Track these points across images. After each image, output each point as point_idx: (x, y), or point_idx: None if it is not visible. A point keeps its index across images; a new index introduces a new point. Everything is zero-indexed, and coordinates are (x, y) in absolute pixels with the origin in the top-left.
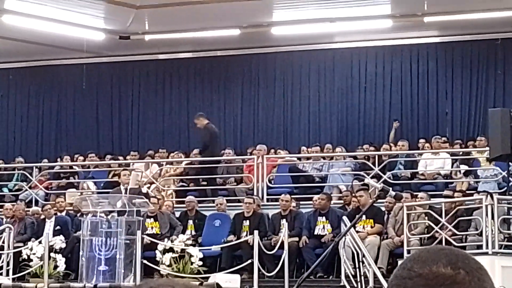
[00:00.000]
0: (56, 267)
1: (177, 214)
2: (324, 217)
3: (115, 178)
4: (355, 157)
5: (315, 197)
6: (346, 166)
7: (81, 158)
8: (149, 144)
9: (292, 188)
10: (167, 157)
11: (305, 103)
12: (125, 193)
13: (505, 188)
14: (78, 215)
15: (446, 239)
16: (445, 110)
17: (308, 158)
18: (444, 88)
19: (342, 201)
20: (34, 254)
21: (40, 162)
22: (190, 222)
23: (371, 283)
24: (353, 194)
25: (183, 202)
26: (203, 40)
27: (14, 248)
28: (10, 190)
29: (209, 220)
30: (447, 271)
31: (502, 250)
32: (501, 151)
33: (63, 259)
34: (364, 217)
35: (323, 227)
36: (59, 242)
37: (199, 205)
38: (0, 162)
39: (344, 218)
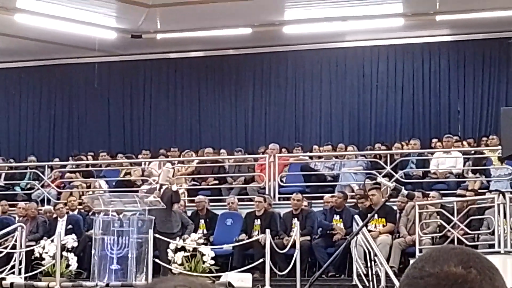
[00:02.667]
0: (68, 266)
1: (189, 213)
2: (338, 216)
3: (127, 177)
4: (366, 156)
5: (326, 196)
6: (358, 165)
7: (91, 157)
8: (161, 143)
9: (304, 187)
10: (179, 156)
11: (317, 102)
12: (159, 189)
13: None
14: (90, 214)
15: (458, 238)
16: (457, 109)
17: (320, 157)
18: (456, 87)
19: (354, 200)
20: (46, 253)
21: (52, 161)
22: (202, 221)
23: (383, 282)
24: (366, 193)
25: (194, 201)
26: (215, 39)
27: (26, 247)
28: (22, 189)
29: (220, 219)
30: (458, 270)
31: None
32: None
33: (75, 258)
34: (376, 216)
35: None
36: (71, 241)
37: (211, 204)
38: (12, 161)
39: (356, 217)
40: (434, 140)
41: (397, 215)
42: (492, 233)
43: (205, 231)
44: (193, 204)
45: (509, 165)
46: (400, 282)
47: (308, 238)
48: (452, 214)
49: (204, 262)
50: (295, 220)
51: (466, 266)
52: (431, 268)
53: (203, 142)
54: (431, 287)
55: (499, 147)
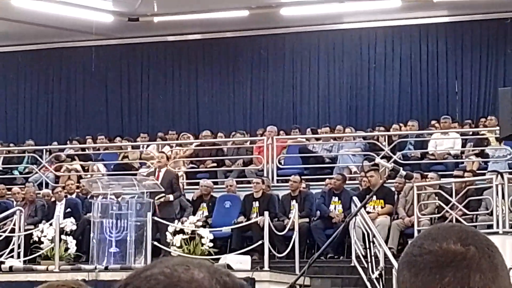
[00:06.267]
0: (67, 249)
1: (189, 195)
2: (337, 198)
3: (126, 160)
4: (364, 138)
5: (327, 179)
6: (356, 146)
7: (90, 140)
8: (159, 126)
9: (302, 169)
10: (177, 139)
11: (314, 84)
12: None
13: None
14: (89, 197)
15: (456, 219)
16: (455, 90)
17: (318, 139)
18: (454, 68)
19: (353, 182)
20: (45, 236)
21: (50, 144)
22: (204, 204)
23: (381, 264)
24: (364, 175)
25: (193, 184)
26: (212, 21)
27: (25, 230)
28: (20, 173)
29: (219, 201)
30: (457, 247)
31: None
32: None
33: (74, 241)
34: (374, 197)
35: (335, 208)
36: (70, 224)
37: None
38: (10, 145)
39: (355, 198)
40: (432, 122)
41: (396, 197)
42: (491, 214)
43: (205, 212)
44: (192, 187)
45: (508, 146)
46: (399, 260)
47: (307, 220)
48: (451, 195)
49: (202, 245)
50: (293, 202)
51: (465, 243)
52: (430, 246)
53: (201, 125)
54: (430, 265)
55: (497, 128)
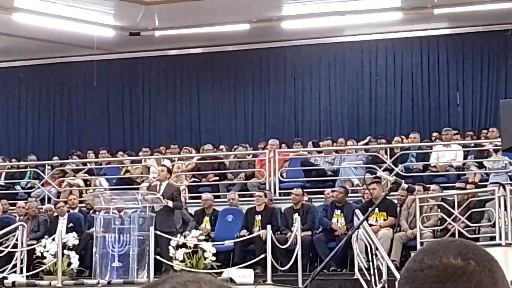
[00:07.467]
0: (69, 264)
1: (192, 209)
2: (339, 210)
3: (128, 175)
4: (366, 150)
5: (327, 190)
6: (358, 159)
7: (93, 155)
8: (161, 140)
9: (304, 182)
10: (179, 153)
11: (316, 97)
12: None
13: None
14: (91, 212)
15: (459, 231)
16: (456, 102)
17: (319, 152)
18: (455, 80)
19: (355, 195)
20: (47, 251)
21: (52, 159)
22: (206, 218)
23: (384, 276)
24: (366, 187)
25: (195, 198)
26: (213, 35)
27: (28, 246)
28: (22, 188)
29: (221, 215)
30: (457, 262)
31: None
32: None
33: (77, 256)
34: (377, 210)
35: (337, 220)
36: (72, 239)
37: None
38: (12, 160)
39: (357, 211)
40: (434, 134)
41: (398, 209)
42: (493, 226)
43: (208, 226)
44: (195, 201)
45: (507, 157)
46: (400, 275)
47: (309, 233)
48: (453, 207)
49: (205, 259)
50: (296, 215)
51: (465, 258)
52: (430, 260)
53: (202, 139)
54: (430, 279)
55: (499, 139)
